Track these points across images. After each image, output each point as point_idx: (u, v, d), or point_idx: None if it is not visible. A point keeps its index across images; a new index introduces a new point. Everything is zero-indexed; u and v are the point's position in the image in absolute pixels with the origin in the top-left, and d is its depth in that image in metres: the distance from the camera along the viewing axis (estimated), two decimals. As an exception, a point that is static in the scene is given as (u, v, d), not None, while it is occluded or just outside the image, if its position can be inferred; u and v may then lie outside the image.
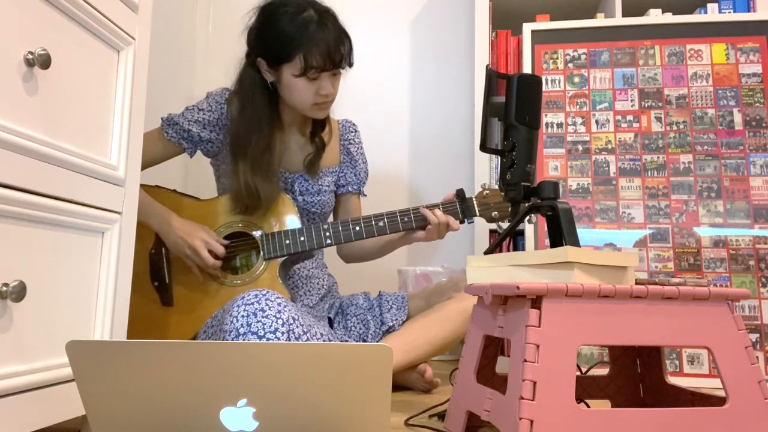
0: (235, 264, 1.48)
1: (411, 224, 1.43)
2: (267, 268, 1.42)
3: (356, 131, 1.63)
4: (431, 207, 1.44)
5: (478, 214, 1.45)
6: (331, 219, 1.65)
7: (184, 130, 1.46)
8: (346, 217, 1.49)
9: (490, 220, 1.46)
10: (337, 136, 1.60)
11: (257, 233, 1.43)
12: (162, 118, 1.47)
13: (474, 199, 1.46)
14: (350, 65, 1.44)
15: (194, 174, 2.19)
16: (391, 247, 1.57)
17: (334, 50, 1.35)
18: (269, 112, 1.46)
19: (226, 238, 1.44)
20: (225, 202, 1.46)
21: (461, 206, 1.45)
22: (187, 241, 1.37)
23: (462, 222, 1.45)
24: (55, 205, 0.82)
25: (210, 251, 1.38)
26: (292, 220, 1.44)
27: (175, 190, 1.49)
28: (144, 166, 1.44)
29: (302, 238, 1.42)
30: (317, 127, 1.55)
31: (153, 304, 1.41)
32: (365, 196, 1.65)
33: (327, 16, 1.38)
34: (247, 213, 1.44)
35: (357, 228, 1.43)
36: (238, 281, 1.42)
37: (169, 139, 1.46)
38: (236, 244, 1.46)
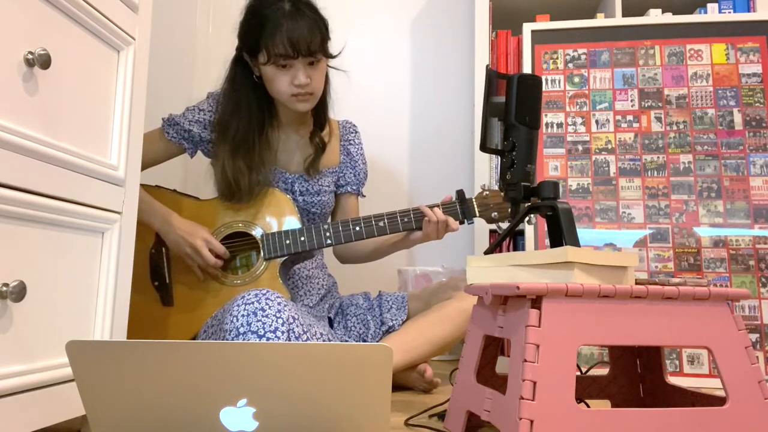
0: (235, 264, 1.48)
1: (411, 224, 1.43)
2: (267, 268, 1.42)
3: (356, 132, 1.63)
4: (431, 207, 1.44)
5: (477, 214, 1.45)
6: (329, 219, 1.65)
7: (185, 130, 1.46)
8: (346, 218, 1.49)
9: (489, 220, 1.46)
10: (337, 137, 1.60)
11: (258, 233, 1.43)
12: (163, 119, 1.47)
13: (474, 199, 1.45)
14: (326, 56, 1.43)
15: (194, 174, 2.19)
16: (388, 251, 1.57)
17: (298, 38, 1.34)
18: (256, 104, 1.46)
19: (226, 237, 1.44)
20: (225, 201, 1.45)
21: (461, 207, 1.44)
22: (188, 240, 1.37)
23: (462, 223, 1.45)
24: (55, 205, 0.82)
25: (211, 250, 1.38)
26: (292, 221, 1.44)
27: (175, 190, 1.49)
28: (145, 166, 1.44)
29: (303, 238, 1.42)
30: (317, 127, 1.55)
31: (153, 303, 1.41)
32: (364, 197, 1.65)
33: (301, 6, 1.37)
34: (233, 201, 1.43)
35: (357, 228, 1.43)
36: (239, 281, 1.42)
37: (169, 139, 1.46)
38: (236, 243, 1.46)
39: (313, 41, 1.36)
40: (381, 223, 1.43)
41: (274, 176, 1.50)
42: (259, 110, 1.47)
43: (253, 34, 1.38)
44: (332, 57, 1.45)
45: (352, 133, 1.62)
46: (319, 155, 1.53)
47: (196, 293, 1.41)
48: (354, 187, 1.60)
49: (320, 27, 1.39)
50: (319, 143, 1.53)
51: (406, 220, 1.43)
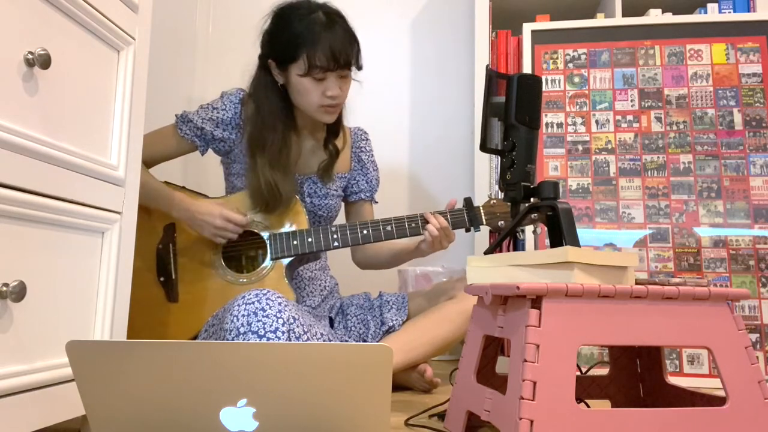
0: (242, 263, 1.49)
1: (418, 230, 1.44)
2: (273, 268, 1.42)
3: (367, 139, 1.65)
4: (437, 214, 1.45)
5: (485, 222, 1.46)
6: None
7: (198, 128, 1.47)
8: (355, 221, 1.49)
9: (496, 229, 1.47)
10: (348, 144, 1.61)
11: (265, 233, 1.44)
12: (176, 115, 1.48)
13: (481, 208, 1.47)
14: (358, 68, 1.45)
15: (194, 174, 2.19)
16: (403, 259, 1.58)
17: (339, 51, 1.36)
18: (284, 113, 1.47)
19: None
20: (234, 200, 1.46)
21: (468, 215, 1.45)
22: (215, 214, 1.38)
23: (468, 230, 1.46)
24: (55, 205, 0.82)
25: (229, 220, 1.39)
26: (300, 222, 1.45)
27: (183, 187, 1.50)
28: (156, 162, 1.47)
29: (310, 240, 1.42)
30: (331, 133, 1.56)
31: (158, 299, 1.41)
32: (376, 203, 1.66)
33: (335, 18, 1.39)
34: (266, 211, 1.43)
35: (365, 231, 1.43)
36: (244, 279, 1.42)
37: (182, 136, 1.47)
38: (243, 243, 1.47)
39: (351, 54, 1.39)
40: (388, 227, 1.43)
41: None
42: (286, 119, 1.47)
43: (290, 44, 1.37)
44: (361, 68, 1.46)
45: (363, 140, 1.63)
46: (332, 161, 1.54)
47: (202, 290, 1.42)
48: (367, 194, 1.62)
49: (355, 38, 1.41)
50: (332, 150, 1.54)
51: (413, 225, 1.44)
